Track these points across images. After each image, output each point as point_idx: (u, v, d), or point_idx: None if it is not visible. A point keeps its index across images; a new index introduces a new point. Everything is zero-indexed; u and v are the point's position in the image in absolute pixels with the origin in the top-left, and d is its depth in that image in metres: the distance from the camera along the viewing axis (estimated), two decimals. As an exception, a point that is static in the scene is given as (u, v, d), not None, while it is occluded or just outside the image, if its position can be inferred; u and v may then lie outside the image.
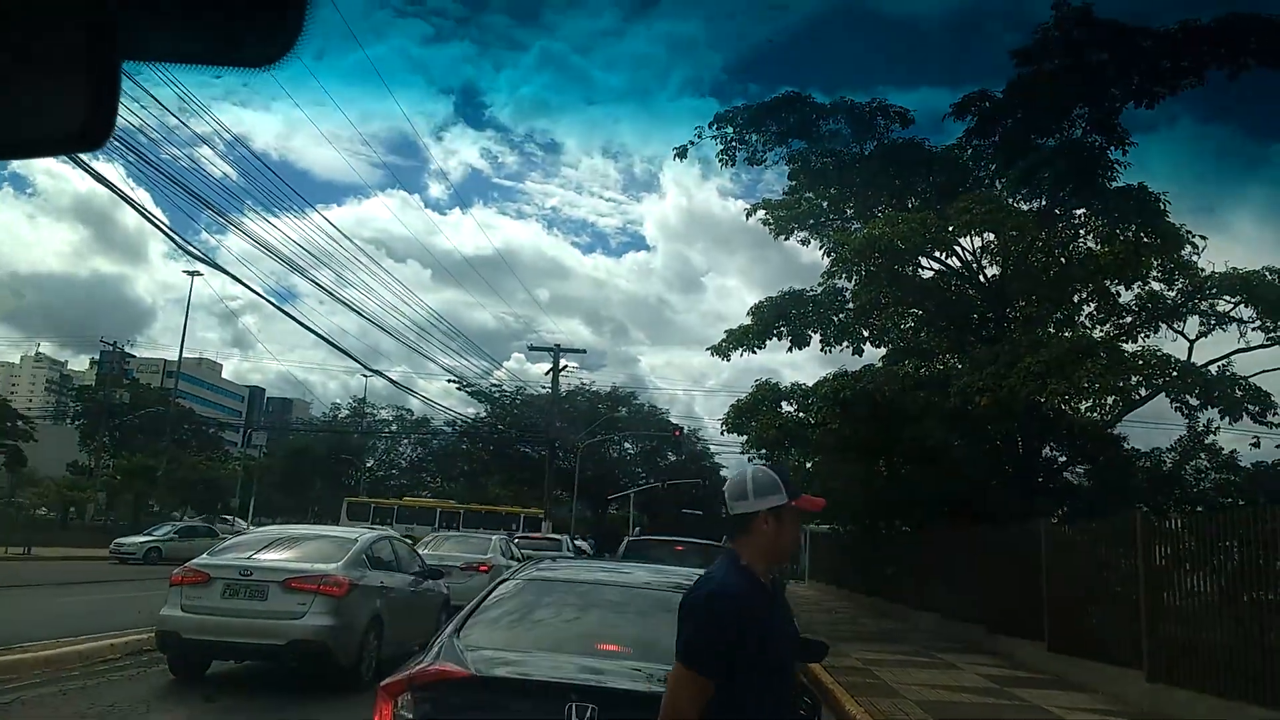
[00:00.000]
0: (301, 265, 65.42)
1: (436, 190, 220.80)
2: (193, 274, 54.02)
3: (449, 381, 51.90)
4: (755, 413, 21.44)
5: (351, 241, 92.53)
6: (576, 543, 35.22)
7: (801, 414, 21.68)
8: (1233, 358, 18.86)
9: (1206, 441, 19.62)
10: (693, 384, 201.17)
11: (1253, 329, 18.68)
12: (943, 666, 13.66)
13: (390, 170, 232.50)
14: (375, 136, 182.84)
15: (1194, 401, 18.14)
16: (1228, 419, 17.53)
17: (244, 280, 70.65)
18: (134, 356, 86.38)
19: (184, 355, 62.84)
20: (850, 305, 21.41)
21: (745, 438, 22.32)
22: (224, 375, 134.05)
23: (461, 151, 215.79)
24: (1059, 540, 13.95)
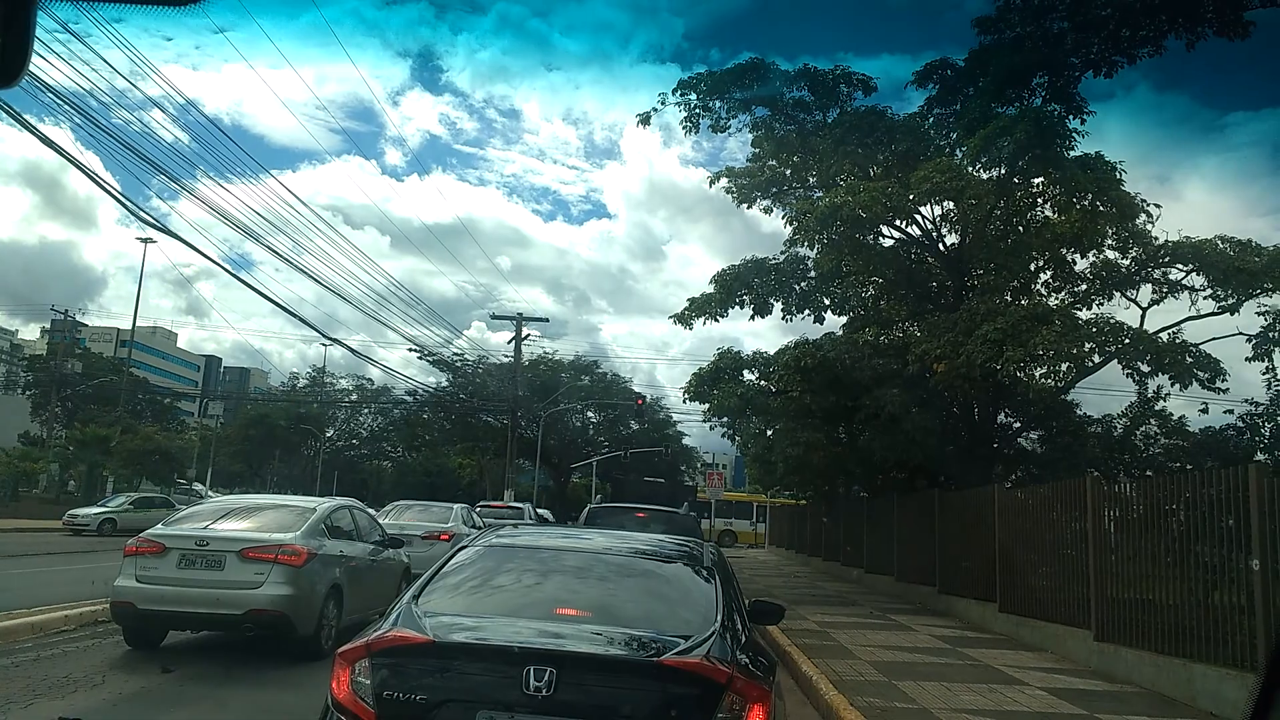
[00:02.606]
0: (257, 232, 64.26)
1: (395, 157, 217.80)
2: (146, 241, 52.91)
3: (410, 350, 51.45)
4: (717, 381, 21.54)
5: (308, 207, 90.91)
6: (539, 511, 35.27)
7: (763, 382, 21.82)
8: (1183, 325, 19.30)
9: (1156, 408, 20.03)
10: (655, 353, 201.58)
11: (1203, 297, 19.10)
12: (897, 628, 13.93)
13: (347, 136, 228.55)
14: (332, 102, 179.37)
15: (1145, 368, 18.54)
16: (1177, 385, 17.94)
17: (198, 248, 69.23)
18: (86, 325, 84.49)
19: (138, 324, 61.70)
20: (812, 274, 21.54)
21: (707, 406, 22.43)
22: (179, 344, 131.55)
23: (419, 117, 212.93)
24: (1011, 504, 14.23)
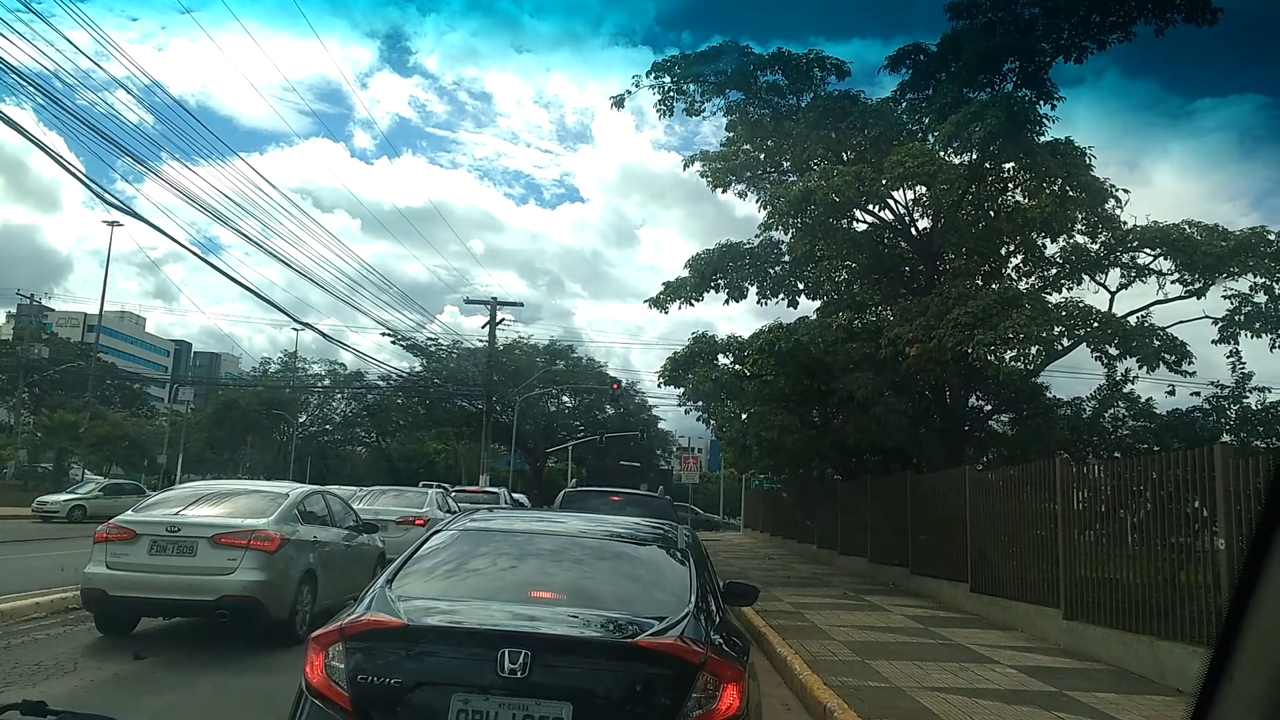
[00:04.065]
0: (225, 215, 63.42)
1: (364, 140, 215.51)
2: (112, 224, 52.15)
3: (383, 335, 51.07)
4: (692, 365, 21.62)
5: (277, 189, 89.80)
6: (515, 496, 35.26)
7: (737, 366, 21.92)
8: (1151, 309, 19.56)
9: (1124, 390, 20.31)
10: (631, 337, 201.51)
11: (1171, 281, 19.34)
12: (870, 609, 14.09)
13: (316, 118, 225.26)
14: (300, 84, 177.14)
15: (1113, 351, 18.78)
16: (1145, 368, 18.19)
17: (166, 231, 68.24)
18: (52, 310, 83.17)
19: (105, 308, 60.86)
20: (786, 258, 21.60)
21: (682, 390, 22.52)
22: (148, 329, 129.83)
23: (388, 100, 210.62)
24: (982, 486, 14.40)
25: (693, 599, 4.17)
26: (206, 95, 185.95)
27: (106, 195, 34.86)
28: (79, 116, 16.33)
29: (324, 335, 65.56)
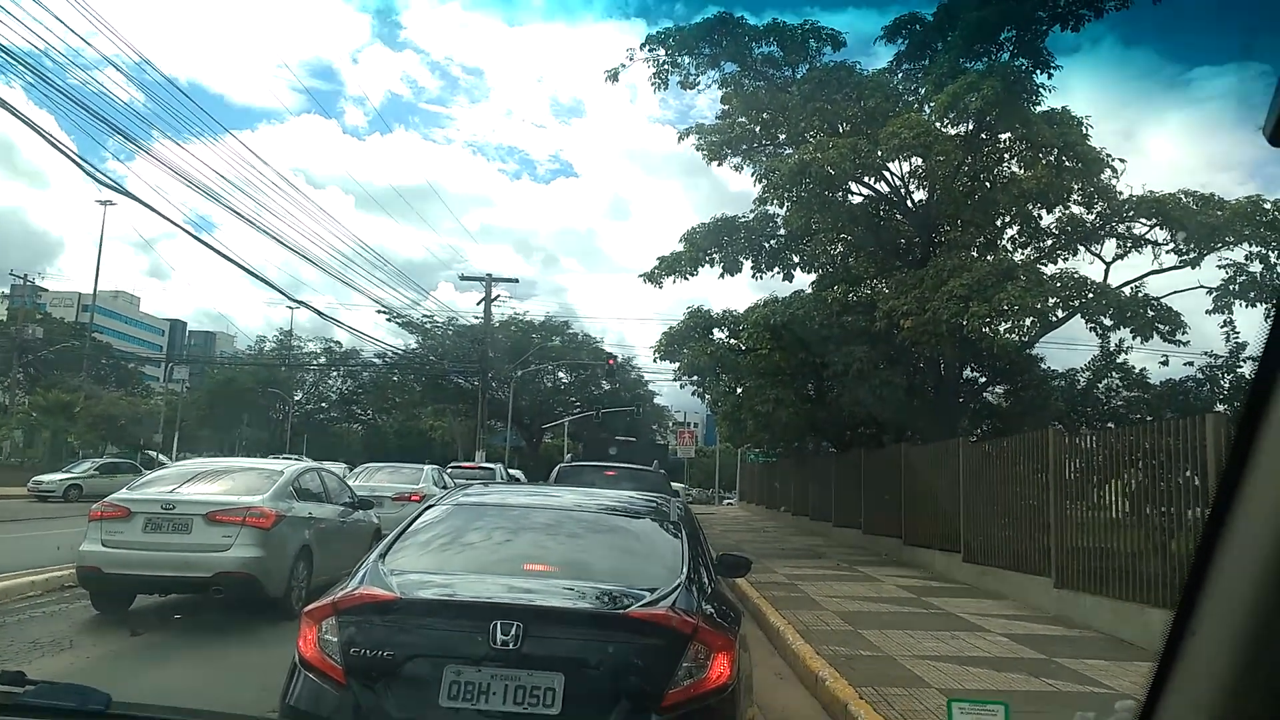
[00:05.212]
0: (218, 193, 63.09)
1: (356, 116, 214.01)
2: (105, 204, 51.85)
3: (378, 312, 50.93)
4: (687, 340, 21.61)
5: (270, 166, 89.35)
6: (510, 472, 35.36)
7: (732, 340, 21.91)
8: (1146, 279, 19.53)
9: (1118, 361, 20.34)
10: (626, 313, 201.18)
11: (1166, 251, 19.30)
12: (863, 579, 14.18)
13: (309, 95, 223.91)
14: (292, 60, 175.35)
15: (1108, 322, 18.77)
16: (1139, 339, 18.17)
17: (159, 210, 67.93)
18: (46, 290, 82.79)
19: (99, 288, 60.59)
20: (781, 231, 21.53)
21: (678, 365, 22.51)
22: (143, 309, 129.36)
23: (381, 75, 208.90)
24: (975, 457, 14.45)
25: (685, 570, 4.19)
26: (198, 73, 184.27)
27: (99, 174, 34.40)
28: (70, 95, 16.14)
29: (319, 313, 65.62)
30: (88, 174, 19.47)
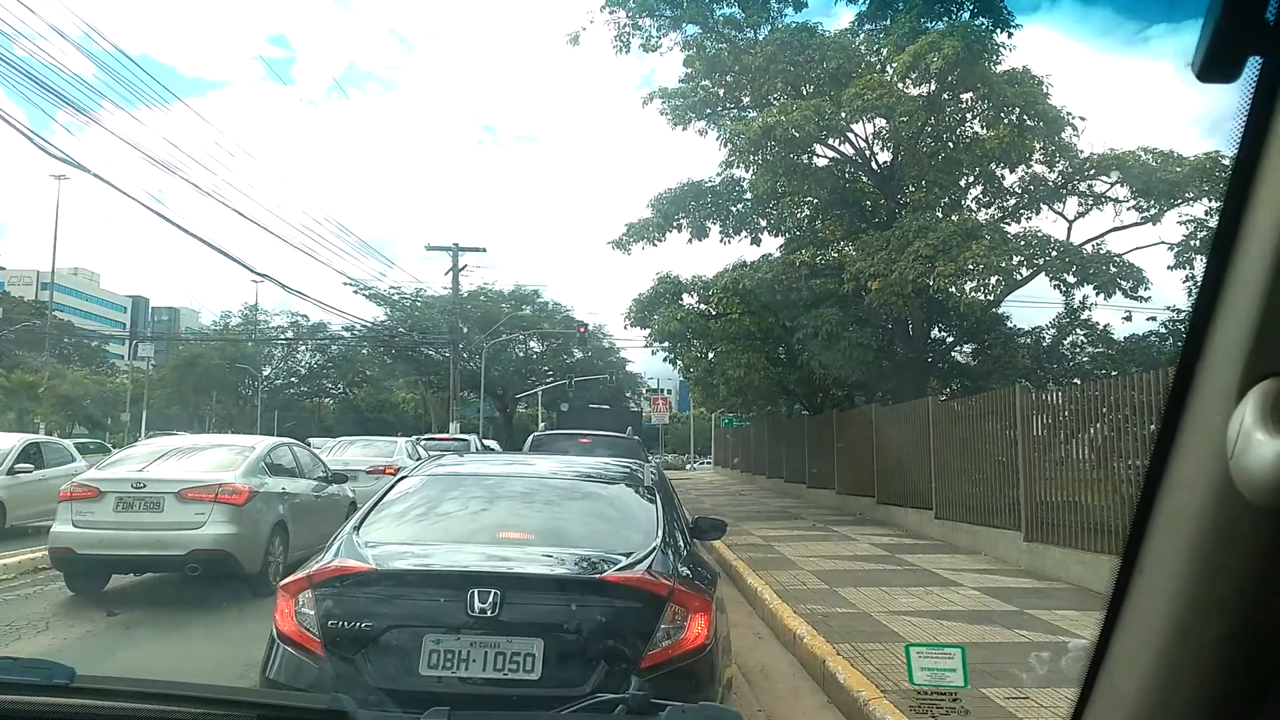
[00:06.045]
0: (177, 166, 61.79)
1: (312, 83, 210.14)
2: (59, 178, 50.71)
3: (345, 284, 50.40)
4: (657, 306, 21.58)
5: (227, 135, 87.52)
6: (485, 442, 35.31)
7: (702, 306, 21.93)
8: (1107, 236, 19.78)
9: (1082, 317, 20.61)
10: (595, 280, 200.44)
11: (1127, 208, 19.54)
12: (838, 539, 14.39)
13: (263, 61, 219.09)
14: (243, 24, 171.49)
15: (1071, 279, 18.97)
16: (1102, 295, 18.44)
17: (115, 184, 66.23)
18: (3, 269, 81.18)
19: (57, 265, 59.45)
20: (748, 195, 21.49)
21: (649, 331, 22.51)
22: (103, 285, 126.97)
23: (335, 39, 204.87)
24: (945, 415, 14.65)
25: (660, 534, 4.24)
26: (147, 42, 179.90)
27: (51, 148, 33.54)
28: (16, 66, 15.72)
29: (283, 286, 64.79)
30: (40, 148, 19.01)
